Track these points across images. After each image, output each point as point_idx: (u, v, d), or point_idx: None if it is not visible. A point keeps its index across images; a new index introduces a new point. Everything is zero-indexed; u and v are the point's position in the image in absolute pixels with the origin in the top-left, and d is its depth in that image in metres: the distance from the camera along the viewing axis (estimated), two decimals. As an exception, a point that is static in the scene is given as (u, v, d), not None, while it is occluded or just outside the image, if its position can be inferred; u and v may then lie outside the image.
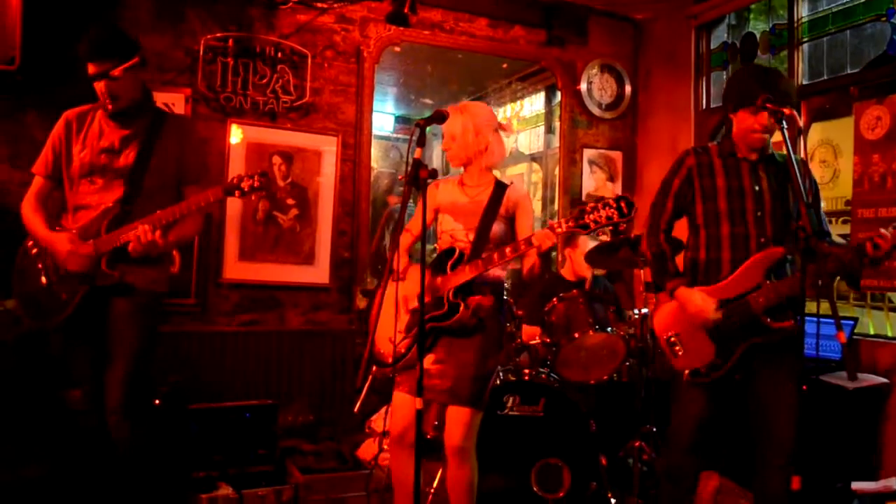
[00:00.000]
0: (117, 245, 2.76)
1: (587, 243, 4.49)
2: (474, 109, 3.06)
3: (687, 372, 2.83)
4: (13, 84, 3.97)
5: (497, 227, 2.97)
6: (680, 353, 2.85)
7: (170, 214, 2.72)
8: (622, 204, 2.52)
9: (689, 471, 2.91)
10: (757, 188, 2.76)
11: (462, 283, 2.83)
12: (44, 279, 2.86)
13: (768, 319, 2.67)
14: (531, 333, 4.09)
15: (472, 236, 2.96)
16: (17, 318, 3.89)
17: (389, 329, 2.90)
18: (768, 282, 2.66)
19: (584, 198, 5.74)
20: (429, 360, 2.90)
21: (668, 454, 2.98)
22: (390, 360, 2.93)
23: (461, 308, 2.82)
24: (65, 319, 2.80)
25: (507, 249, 2.75)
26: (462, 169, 3.11)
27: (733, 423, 2.96)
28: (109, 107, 2.83)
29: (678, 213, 2.94)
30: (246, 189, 2.70)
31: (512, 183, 3.09)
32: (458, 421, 2.88)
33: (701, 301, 2.74)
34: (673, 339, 2.86)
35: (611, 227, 2.63)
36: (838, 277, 2.80)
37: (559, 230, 2.62)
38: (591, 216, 2.55)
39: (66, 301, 2.80)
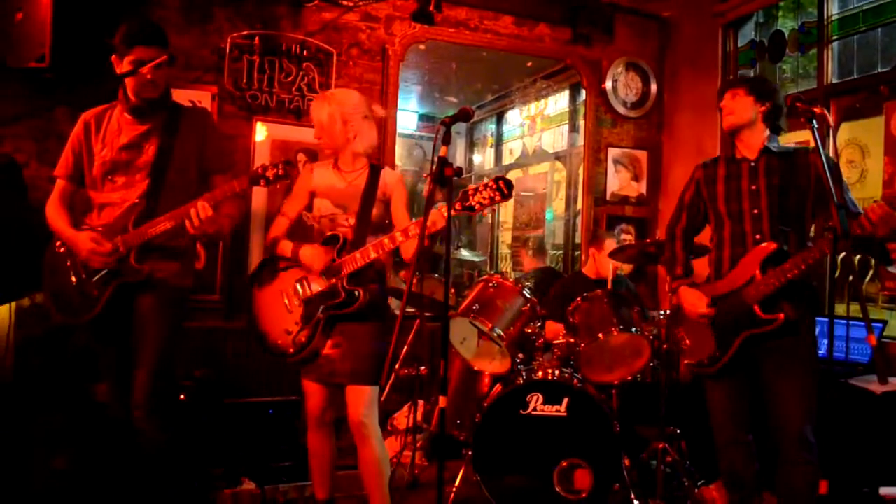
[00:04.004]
0: (146, 239, 2.77)
1: (612, 244, 4.47)
2: (342, 97, 3.10)
3: (690, 362, 3.02)
4: (43, 81, 4.04)
5: (376, 211, 3.07)
6: (686, 346, 3.06)
7: (212, 198, 2.73)
8: (501, 184, 2.62)
9: (743, 471, 2.91)
10: (754, 187, 2.89)
11: (355, 271, 2.93)
12: (73, 277, 2.88)
13: (759, 311, 2.76)
14: (555, 331, 4.08)
15: (352, 220, 3.05)
16: (46, 312, 3.96)
17: (283, 320, 3.03)
18: (760, 275, 2.77)
19: (608, 197, 5.72)
20: (328, 346, 3.01)
21: (718, 454, 3.00)
22: (291, 350, 3.02)
23: (359, 295, 2.93)
24: (96, 315, 2.82)
25: (398, 234, 2.84)
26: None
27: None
28: (133, 99, 2.83)
29: (694, 223, 3.15)
30: (271, 178, 2.71)
31: (385, 166, 3.23)
32: (359, 398, 2.97)
33: (693, 298, 2.97)
34: (682, 333, 3.08)
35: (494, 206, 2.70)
36: (867, 278, 2.79)
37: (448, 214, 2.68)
38: (476, 198, 2.64)
39: (97, 297, 2.82)
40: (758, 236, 2.85)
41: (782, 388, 2.76)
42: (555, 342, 3.93)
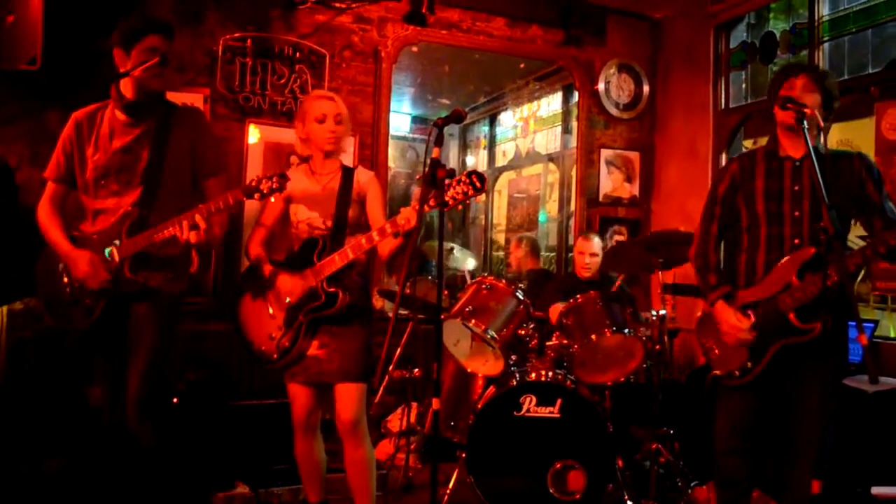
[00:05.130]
0: (138, 249, 2.73)
1: (583, 244, 4.55)
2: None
3: (718, 373, 2.85)
4: (35, 84, 4.01)
5: (352, 212, 3.08)
6: (715, 355, 2.87)
7: (206, 210, 2.67)
8: (474, 178, 2.60)
9: (738, 475, 2.84)
10: (797, 188, 2.71)
11: (334, 272, 2.93)
12: (67, 287, 2.84)
13: (796, 320, 2.63)
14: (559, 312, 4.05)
15: (329, 223, 3.06)
16: (37, 314, 3.94)
17: (266, 326, 3.04)
18: (797, 281, 2.63)
19: (601, 198, 5.73)
20: (314, 347, 3.01)
21: (716, 458, 2.93)
22: (275, 356, 3.02)
23: (340, 296, 2.93)
24: (91, 324, 2.79)
25: (374, 234, 2.84)
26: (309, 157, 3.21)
27: (771, 431, 2.92)
28: (131, 95, 2.78)
29: (726, 221, 2.93)
30: (265, 191, 2.66)
31: (357, 166, 3.23)
32: (350, 397, 2.98)
33: (735, 321, 2.73)
34: (710, 342, 2.89)
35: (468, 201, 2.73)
36: (859, 279, 2.77)
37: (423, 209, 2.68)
38: (449, 193, 2.62)
39: (91, 307, 2.79)
40: (797, 241, 2.69)
41: (810, 404, 2.67)
42: (548, 343, 3.93)
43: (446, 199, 2.62)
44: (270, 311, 3.05)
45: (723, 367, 2.84)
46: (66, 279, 2.85)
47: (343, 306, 2.95)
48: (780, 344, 2.67)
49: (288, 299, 3.00)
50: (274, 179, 2.66)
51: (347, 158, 3.50)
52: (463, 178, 2.61)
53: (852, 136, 4.49)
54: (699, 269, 2.93)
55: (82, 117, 2.89)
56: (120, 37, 2.76)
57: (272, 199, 2.68)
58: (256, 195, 2.67)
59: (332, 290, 2.94)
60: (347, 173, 3.14)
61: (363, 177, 3.15)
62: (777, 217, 2.73)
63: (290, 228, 3.17)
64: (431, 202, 2.65)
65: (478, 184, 2.60)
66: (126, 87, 2.80)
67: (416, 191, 7.83)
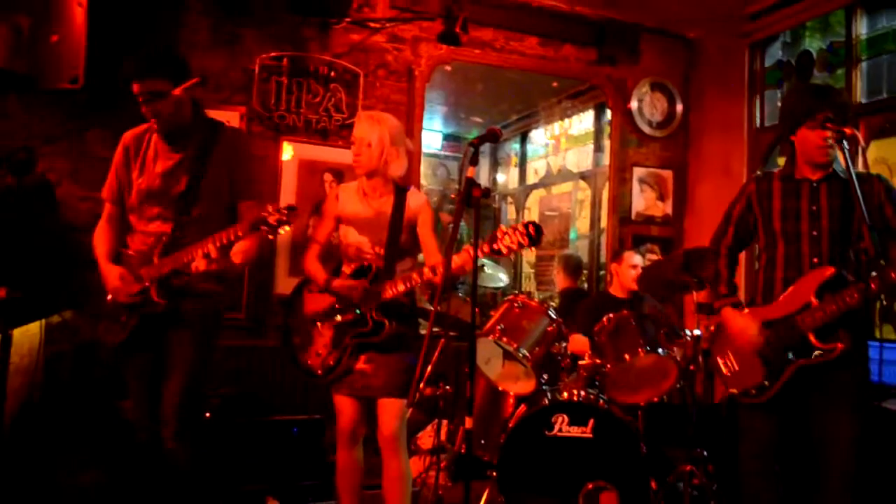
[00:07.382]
0: (165, 272, 2.75)
1: (631, 256, 4.47)
2: (390, 121, 3.11)
3: (736, 391, 2.84)
4: (76, 103, 4.11)
5: (403, 239, 3.07)
6: (730, 373, 2.87)
7: (216, 240, 2.64)
8: (531, 229, 2.61)
9: (765, 497, 2.81)
10: (814, 208, 2.72)
11: (384, 302, 2.95)
12: (110, 303, 2.90)
13: (815, 340, 2.61)
14: (579, 344, 4.03)
15: (379, 249, 3.06)
16: (74, 328, 4.01)
17: (314, 342, 3.09)
18: (816, 301, 2.61)
19: (633, 216, 5.69)
20: (361, 362, 3.04)
21: (741, 480, 2.90)
22: (319, 372, 3.06)
23: (386, 326, 2.96)
24: (123, 341, 2.84)
25: (427, 270, 2.86)
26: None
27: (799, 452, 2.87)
28: (155, 127, 2.86)
29: (741, 240, 2.97)
30: (273, 223, 2.54)
31: (411, 187, 3.19)
32: (392, 411, 3.01)
33: (743, 322, 2.77)
34: (725, 359, 2.88)
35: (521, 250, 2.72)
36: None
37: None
38: (503, 242, 2.65)
39: (125, 323, 2.84)
40: (815, 259, 2.68)
41: (834, 426, 2.64)
42: (581, 363, 3.90)
43: (500, 247, 2.65)
44: (319, 327, 3.10)
45: (738, 385, 2.83)
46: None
47: (389, 335, 2.98)
48: (797, 364, 2.65)
49: (332, 313, 3.03)
50: (282, 212, 2.54)
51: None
52: (519, 228, 2.62)
53: (890, 154, 4.43)
54: (711, 280, 2.99)
55: (130, 140, 2.96)
56: (124, 73, 2.79)
57: (284, 231, 2.56)
58: (263, 228, 2.55)
59: (379, 318, 2.96)
60: (400, 196, 3.10)
61: (415, 201, 3.11)
62: (794, 236, 2.74)
63: (338, 247, 3.19)
64: (486, 248, 2.67)
65: (533, 234, 2.61)
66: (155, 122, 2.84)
67: (454, 208, 7.84)
